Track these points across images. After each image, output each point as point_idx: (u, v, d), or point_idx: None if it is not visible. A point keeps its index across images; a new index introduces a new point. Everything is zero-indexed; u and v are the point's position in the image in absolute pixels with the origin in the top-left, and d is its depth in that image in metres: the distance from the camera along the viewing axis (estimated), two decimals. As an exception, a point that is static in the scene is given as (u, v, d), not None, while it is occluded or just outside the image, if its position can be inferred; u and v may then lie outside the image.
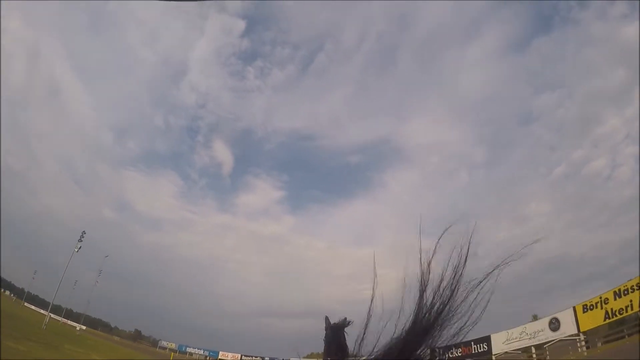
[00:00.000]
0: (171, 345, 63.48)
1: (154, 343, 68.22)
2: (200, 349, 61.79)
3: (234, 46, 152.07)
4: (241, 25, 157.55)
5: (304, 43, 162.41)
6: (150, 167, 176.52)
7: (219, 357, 58.52)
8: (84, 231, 41.65)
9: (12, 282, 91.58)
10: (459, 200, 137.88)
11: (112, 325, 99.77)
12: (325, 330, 0.93)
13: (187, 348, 62.41)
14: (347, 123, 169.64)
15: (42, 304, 68.57)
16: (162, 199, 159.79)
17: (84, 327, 62.80)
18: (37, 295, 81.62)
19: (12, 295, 79.54)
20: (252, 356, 57.02)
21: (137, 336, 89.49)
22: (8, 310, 34.07)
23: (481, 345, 26.53)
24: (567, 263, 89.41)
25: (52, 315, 47.18)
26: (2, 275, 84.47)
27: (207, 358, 60.02)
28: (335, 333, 0.89)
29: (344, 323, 0.91)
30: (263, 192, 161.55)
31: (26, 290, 79.21)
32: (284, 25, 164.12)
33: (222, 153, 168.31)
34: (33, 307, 68.13)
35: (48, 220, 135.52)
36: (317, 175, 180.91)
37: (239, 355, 57.85)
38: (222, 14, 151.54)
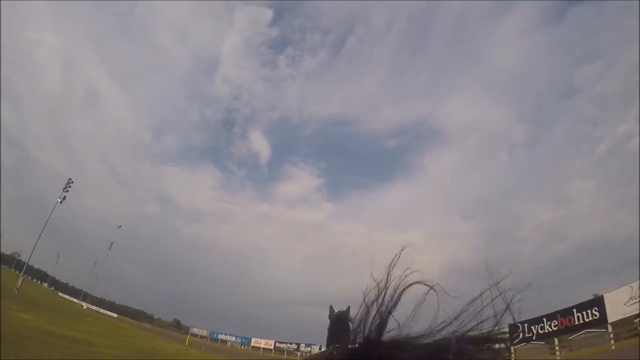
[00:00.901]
0: (202, 332, 62.07)
1: (187, 331, 66.34)
2: (233, 336, 58.59)
3: (263, 36, 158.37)
4: (269, 14, 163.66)
5: (333, 27, 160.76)
6: (189, 162, 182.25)
7: (252, 344, 54.80)
8: (70, 178, 38.59)
9: (57, 278, 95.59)
10: (501, 180, 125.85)
11: (155, 317, 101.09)
12: (330, 318, 0.92)
13: (219, 335, 60.07)
14: (382, 106, 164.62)
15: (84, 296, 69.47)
16: (202, 191, 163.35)
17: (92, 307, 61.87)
18: (81, 289, 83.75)
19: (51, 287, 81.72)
20: (286, 342, 52.33)
21: (176, 325, 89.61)
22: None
23: (589, 312, 18.23)
24: (612, 246, 77.48)
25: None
26: (50, 272, 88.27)
27: (241, 346, 56.82)
28: (339, 322, 0.89)
29: (348, 312, 0.90)
30: (301, 180, 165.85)
31: (72, 285, 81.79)
32: (313, 11, 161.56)
33: (259, 143, 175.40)
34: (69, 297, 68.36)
35: (94, 220, 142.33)
36: (354, 160, 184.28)
37: (273, 341, 53.41)
38: (248, 4, 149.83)
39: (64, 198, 36.62)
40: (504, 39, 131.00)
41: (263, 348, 53.14)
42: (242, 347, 55.57)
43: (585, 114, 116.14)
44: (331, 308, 0.98)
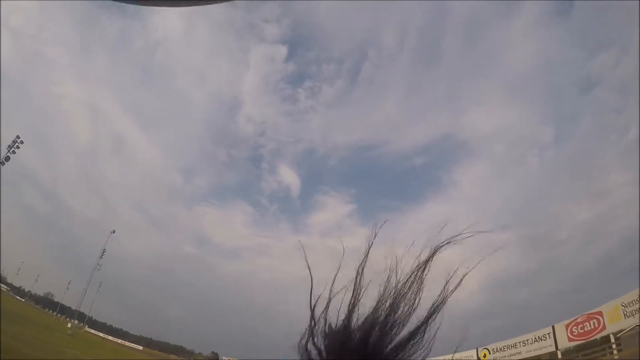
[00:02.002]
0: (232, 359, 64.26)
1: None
2: (269, 362, 58.24)
3: (280, 72, 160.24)
4: (283, 50, 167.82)
5: (347, 55, 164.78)
6: (222, 200, 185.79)
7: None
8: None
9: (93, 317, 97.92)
10: (533, 185, 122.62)
11: (196, 352, 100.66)
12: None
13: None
14: (405, 126, 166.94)
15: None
16: (237, 228, 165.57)
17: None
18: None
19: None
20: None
21: (214, 358, 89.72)
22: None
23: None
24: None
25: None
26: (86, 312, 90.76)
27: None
28: (335, 335, 0.88)
29: (344, 325, 0.89)
30: (333, 208, 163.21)
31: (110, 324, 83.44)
32: (324, 43, 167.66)
33: (288, 176, 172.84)
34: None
35: (132, 263, 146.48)
36: (384, 183, 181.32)
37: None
38: (261, 43, 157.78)
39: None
40: (515, 41, 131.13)
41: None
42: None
43: (608, 103, 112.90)
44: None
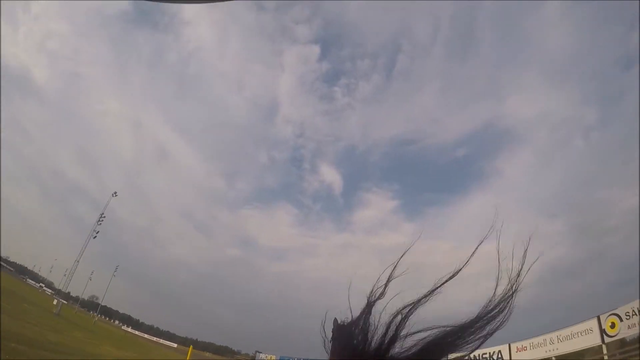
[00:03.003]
0: (271, 357, 63.38)
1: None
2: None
3: (315, 72, 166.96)
4: (316, 50, 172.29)
5: (381, 50, 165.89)
6: (265, 203, 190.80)
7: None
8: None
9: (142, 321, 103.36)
10: (580, 169, 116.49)
11: (243, 352, 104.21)
12: (333, 332, 0.92)
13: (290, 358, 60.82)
14: (444, 117, 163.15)
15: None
16: (282, 229, 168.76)
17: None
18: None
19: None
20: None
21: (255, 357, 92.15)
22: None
23: None
24: None
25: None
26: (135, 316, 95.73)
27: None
28: (342, 334, 0.89)
29: (351, 325, 0.89)
30: (377, 204, 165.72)
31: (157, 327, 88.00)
32: (357, 39, 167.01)
33: (330, 175, 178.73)
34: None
35: (179, 268, 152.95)
36: (426, 177, 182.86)
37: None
38: (294, 45, 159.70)
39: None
40: (550, 23, 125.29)
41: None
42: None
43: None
44: (335, 321, 1.00)
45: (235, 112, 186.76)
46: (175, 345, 68.43)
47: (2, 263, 47.07)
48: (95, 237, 42.49)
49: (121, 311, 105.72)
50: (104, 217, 34.48)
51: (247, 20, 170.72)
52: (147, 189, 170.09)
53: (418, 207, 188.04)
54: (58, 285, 66.23)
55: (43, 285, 77.73)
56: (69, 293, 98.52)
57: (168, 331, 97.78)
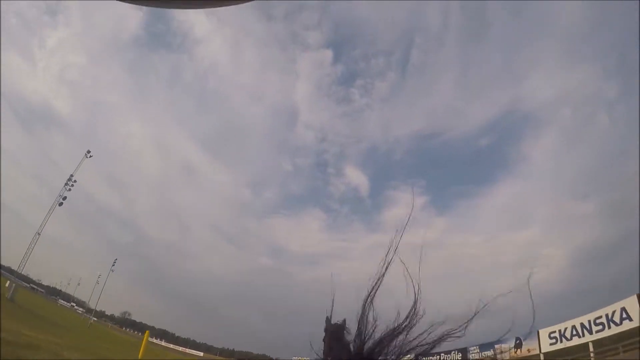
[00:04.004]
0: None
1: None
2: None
3: (330, 75, 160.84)
4: (329, 53, 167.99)
5: (393, 46, 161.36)
6: (293, 210, 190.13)
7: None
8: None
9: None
10: (607, 145, 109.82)
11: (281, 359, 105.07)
12: (325, 331, 0.94)
13: None
14: (464, 107, 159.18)
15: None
16: (312, 235, 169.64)
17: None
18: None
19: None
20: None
21: None
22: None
23: None
24: None
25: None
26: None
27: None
28: (334, 334, 0.91)
29: (343, 324, 0.93)
30: (405, 202, 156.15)
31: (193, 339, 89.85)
32: (368, 38, 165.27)
33: (356, 177, 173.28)
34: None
35: (212, 279, 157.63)
36: (452, 169, 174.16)
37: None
38: (307, 51, 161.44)
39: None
40: None
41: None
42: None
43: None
44: (327, 320, 0.97)
45: (256, 123, 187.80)
46: (201, 354, 69.64)
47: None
48: (61, 204, 40.02)
49: (157, 326, 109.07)
50: (75, 181, 32.18)
51: (258, 32, 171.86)
52: (176, 205, 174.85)
53: (447, 200, 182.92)
54: (94, 304, 68.24)
55: (75, 305, 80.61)
56: (102, 311, 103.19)
57: (205, 343, 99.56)
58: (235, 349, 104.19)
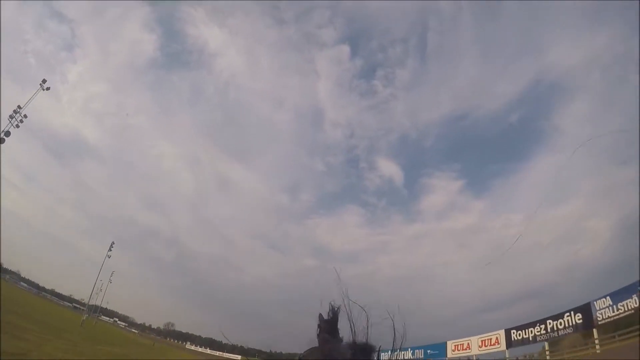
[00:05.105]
0: None
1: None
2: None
3: (350, 70, 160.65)
4: (345, 49, 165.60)
5: (409, 32, 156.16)
6: (330, 209, 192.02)
7: None
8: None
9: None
10: None
11: None
12: (319, 326, 0.99)
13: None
14: (489, 84, 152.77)
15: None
16: (352, 231, 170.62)
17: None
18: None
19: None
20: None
21: None
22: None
23: None
24: None
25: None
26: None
27: None
28: (328, 329, 0.96)
29: (336, 319, 0.99)
30: (441, 188, 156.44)
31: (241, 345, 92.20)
32: (382, 27, 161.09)
33: (389, 169, 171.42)
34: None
35: (260, 286, 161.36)
36: (485, 149, 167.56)
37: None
38: (323, 49, 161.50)
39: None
40: None
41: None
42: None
43: None
44: (320, 316, 1.03)
45: (283, 127, 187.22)
46: (239, 357, 70.48)
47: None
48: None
49: (204, 336, 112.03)
50: (25, 116, 30.74)
51: (271, 37, 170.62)
52: (215, 218, 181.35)
53: (483, 182, 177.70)
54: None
55: (117, 320, 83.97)
56: (143, 324, 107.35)
57: (253, 348, 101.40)
58: (282, 352, 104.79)
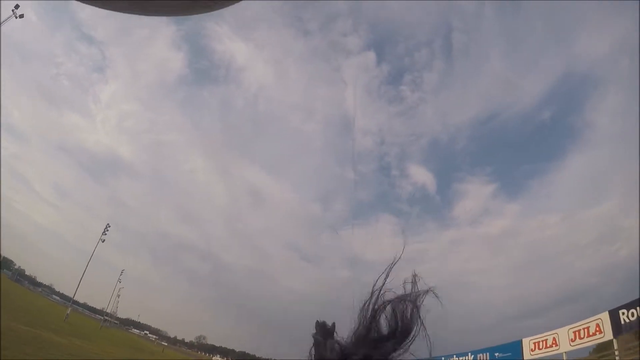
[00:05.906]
0: None
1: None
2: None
3: (377, 77, 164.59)
4: (371, 55, 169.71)
5: (433, 35, 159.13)
6: (363, 218, 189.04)
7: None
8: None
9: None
10: None
11: None
12: (314, 336, 0.95)
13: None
14: (518, 81, 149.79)
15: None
16: (385, 240, 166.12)
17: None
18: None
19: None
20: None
21: None
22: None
23: None
24: None
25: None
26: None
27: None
28: (324, 337, 0.92)
29: (333, 327, 0.94)
30: (475, 192, 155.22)
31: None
32: (406, 31, 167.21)
33: (421, 175, 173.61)
34: None
35: (293, 298, 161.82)
36: (517, 149, 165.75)
37: None
38: (349, 57, 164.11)
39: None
40: None
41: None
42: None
43: None
44: (317, 323, 0.97)
45: (313, 137, 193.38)
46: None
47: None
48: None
49: (237, 349, 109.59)
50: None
51: (297, 48, 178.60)
52: (248, 230, 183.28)
53: (516, 183, 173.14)
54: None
55: (148, 332, 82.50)
56: (175, 337, 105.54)
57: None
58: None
